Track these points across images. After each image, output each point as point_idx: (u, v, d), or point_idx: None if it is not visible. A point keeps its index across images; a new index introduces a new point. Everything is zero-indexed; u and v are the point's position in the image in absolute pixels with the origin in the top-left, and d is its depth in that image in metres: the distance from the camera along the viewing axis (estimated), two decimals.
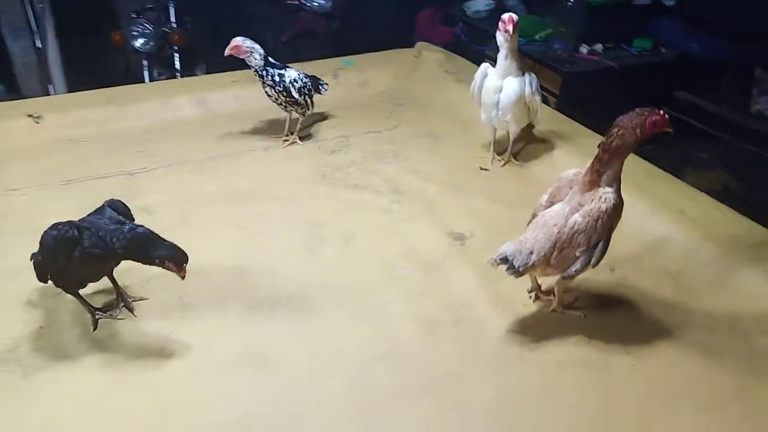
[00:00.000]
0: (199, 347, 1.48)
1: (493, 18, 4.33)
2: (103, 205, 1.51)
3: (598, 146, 1.45)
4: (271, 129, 2.48)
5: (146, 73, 4.17)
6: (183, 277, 1.41)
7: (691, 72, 3.85)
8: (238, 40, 2.20)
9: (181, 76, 4.15)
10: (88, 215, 1.50)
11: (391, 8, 4.76)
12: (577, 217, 1.44)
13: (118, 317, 1.56)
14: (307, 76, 2.33)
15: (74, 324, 1.54)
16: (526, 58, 3.96)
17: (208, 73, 3.98)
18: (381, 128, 2.52)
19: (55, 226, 1.41)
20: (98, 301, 1.59)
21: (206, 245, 1.81)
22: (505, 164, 2.25)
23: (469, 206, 2.02)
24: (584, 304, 1.63)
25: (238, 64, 2.33)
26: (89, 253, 1.39)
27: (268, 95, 2.30)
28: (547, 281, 1.65)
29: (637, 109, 1.42)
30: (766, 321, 1.53)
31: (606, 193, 1.44)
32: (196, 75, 4.19)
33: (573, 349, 1.50)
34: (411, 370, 1.44)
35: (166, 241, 1.42)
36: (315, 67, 2.70)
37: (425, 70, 2.90)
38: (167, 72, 4.18)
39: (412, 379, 1.42)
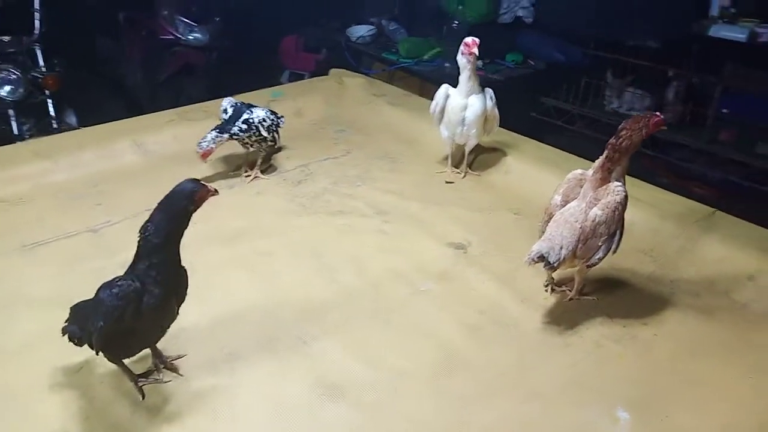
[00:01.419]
0: (263, 393, 1.44)
1: (376, 43, 4.56)
2: None
3: (607, 147, 1.65)
4: (225, 166, 2.41)
5: (14, 124, 3.75)
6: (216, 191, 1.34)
7: (556, 79, 4.36)
8: (203, 147, 2.21)
9: (57, 124, 3.81)
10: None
11: (265, 37, 4.80)
12: (596, 211, 1.63)
13: (164, 380, 1.46)
14: (272, 112, 2.31)
15: (119, 397, 1.41)
16: (416, 77, 4.23)
17: (83, 122, 3.72)
18: (336, 154, 2.56)
19: (111, 283, 1.29)
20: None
21: (222, 291, 1.76)
22: (464, 176, 2.41)
23: (453, 217, 2.15)
24: (591, 290, 1.83)
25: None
26: (156, 304, 1.29)
27: (235, 137, 2.23)
28: (558, 273, 1.82)
29: (637, 114, 1.65)
30: (736, 279, 1.84)
31: (617, 187, 1.65)
32: (69, 122, 3.88)
33: (602, 329, 1.68)
34: (479, 371, 1.53)
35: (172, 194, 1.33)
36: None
37: (353, 96, 2.99)
38: (39, 121, 3.80)
39: (486, 378, 1.51)
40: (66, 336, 1.39)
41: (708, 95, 3.91)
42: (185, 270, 1.38)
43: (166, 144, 2.50)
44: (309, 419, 1.38)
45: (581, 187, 1.70)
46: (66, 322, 1.41)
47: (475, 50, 2.13)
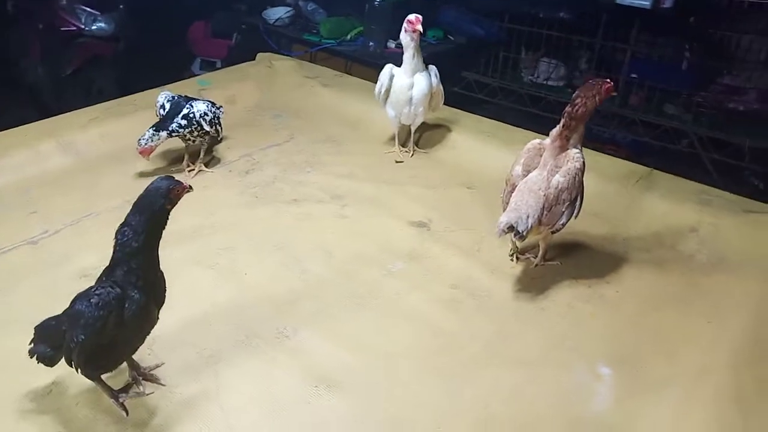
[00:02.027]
0: (254, 393, 1.39)
1: (295, 24, 4.44)
2: None
3: (563, 115, 1.70)
4: (164, 162, 2.28)
5: None
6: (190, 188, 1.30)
7: (476, 54, 4.44)
8: (141, 145, 2.10)
9: None
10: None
11: (170, 24, 4.58)
12: (559, 178, 1.68)
13: (146, 392, 1.37)
14: (212, 103, 2.20)
15: (99, 416, 1.32)
16: (339, 57, 4.18)
17: None
18: (278, 141, 2.49)
19: (88, 293, 1.19)
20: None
21: (187, 293, 1.67)
22: (413, 154, 2.42)
23: (409, 196, 2.15)
24: (553, 255, 1.89)
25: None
26: (138, 311, 1.21)
27: (175, 134, 2.12)
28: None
29: (590, 81, 1.71)
30: (680, 232, 1.96)
31: (576, 154, 1.71)
32: None
33: (571, 291, 1.75)
34: (463, 344, 1.55)
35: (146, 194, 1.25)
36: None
37: (285, 79, 2.91)
38: None
39: (471, 351, 1.53)
40: (34, 358, 1.28)
41: (617, 62, 4.12)
42: (162, 272, 1.30)
43: (94, 143, 2.33)
44: (308, 413, 1.35)
45: (541, 156, 1.75)
46: (31, 343, 1.30)
47: (419, 27, 2.12)
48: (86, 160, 2.26)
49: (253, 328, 1.56)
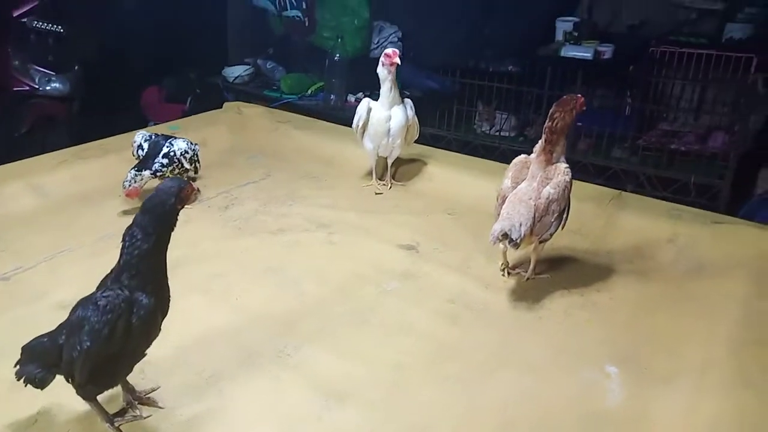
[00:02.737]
0: (263, 410, 1.33)
1: (255, 82, 4.51)
2: None
3: (544, 131, 1.78)
4: (137, 201, 2.20)
5: None
6: (198, 191, 1.24)
7: (431, 108, 4.60)
8: (126, 187, 2.09)
9: None
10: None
11: (125, 87, 4.58)
12: (549, 189, 1.73)
13: (144, 416, 1.28)
14: (191, 142, 2.19)
15: None
16: (300, 112, 4.25)
17: None
18: (255, 178, 2.48)
19: (93, 297, 1.12)
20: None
21: (180, 318, 1.55)
22: (391, 187, 2.44)
23: (393, 223, 2.16)
24: (541, 269, 1.92)
25: None
26: (147, 317, 1.15)
27: (158, 173, 2.10)
28: (512, 257, 1.90)
29: (564, 96, 1.79)
30: (657, 244, 2.03)
31: (565, 168, 1.78)
32: None
33: (564, 300, 1.77)
34: (469, 354, 1.53)
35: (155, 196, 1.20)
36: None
37: (257, 124, 2.93)
38: None
39: (479, 359, 1.51)
40: (22, 380, 1.18)
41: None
42: (167, 278, 1.24)
43: (64, 184, 2.25)
44: (322, 427, 1.29)
45: (527, 169, 1.81)
46: (16, 365, 1.20)
47: (397, 60, 2.19)
48: (56, 202, 2.18)
49: (253, 348, 1.50)
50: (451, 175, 2.48)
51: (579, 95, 1.79)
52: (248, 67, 4.47)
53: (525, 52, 4.54)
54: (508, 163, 1.89)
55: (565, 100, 1.78)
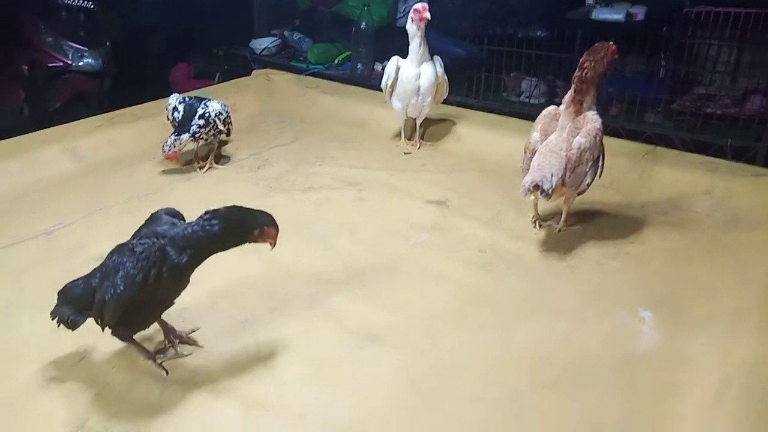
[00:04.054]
0: (298, 350, 1.35)
1: (282, 53, 4.52)
2: (157, 215, 1.27)
3: (573, 81, 1.75)
4: (174, 163, 2.25)
5: None
6: (274, 245, 1.27)
7: (458, 76, 4.55)
8: (166, 151, 2.12)
9: None
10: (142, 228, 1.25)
11: (155, 62, 4.64)
12: (580, 139, 1.70)
13: (185, 354, 1.32)
14: (224, 104, 2.21)
15: (139, 378, 1.26)
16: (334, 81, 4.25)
17: None
18: (285, 141, 2.50)
19: (129, 244, 1.15)
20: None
21: (213, 269, 1.60)
22: (419, 147, 2.44)
23: (423, 180, 2.15)
24: (573, 221, 1.90)
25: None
26: (179, 264, 1.17)
27: (197, 135, 2.13)
28: (543, 209, 1.88)
29: (596, 44, 1.76)
30: (694, 195, 1.99)
31: (594, 115, 1.74)
32: None
33: (597, 250, 1.75)
34: (502, 300, 1.53)
35: (252, 209, 1.25)
36: None
37: (285, 90, 2.94)
38: None
39: (513, 304, 1.51)
40: (56, 320, 1.21)
41: None
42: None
43: (99, 148, 2.31)
44: (355, 367, 1.31)
45: (557, 121, 1.78)
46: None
47: (427, 15, 2.17)
48: (91, 164, 2.23)
49: (284, 297, 1.53)
50: (480, 135, 2.47)
51: (611, 43, 1.75)
52: (275, 38, 4.48)
53: (554, 16, 4.45)
54: None
55: (596, 48, 1.74)
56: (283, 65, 4.35)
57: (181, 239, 1.17)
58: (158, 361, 1.28)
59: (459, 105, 4.41)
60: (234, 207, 1.23)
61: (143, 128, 2.40)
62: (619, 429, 1.17)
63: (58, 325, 1.20)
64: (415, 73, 2.26)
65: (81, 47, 4.16)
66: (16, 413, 1.17)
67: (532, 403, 1.21)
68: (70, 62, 4.13)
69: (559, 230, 1.85)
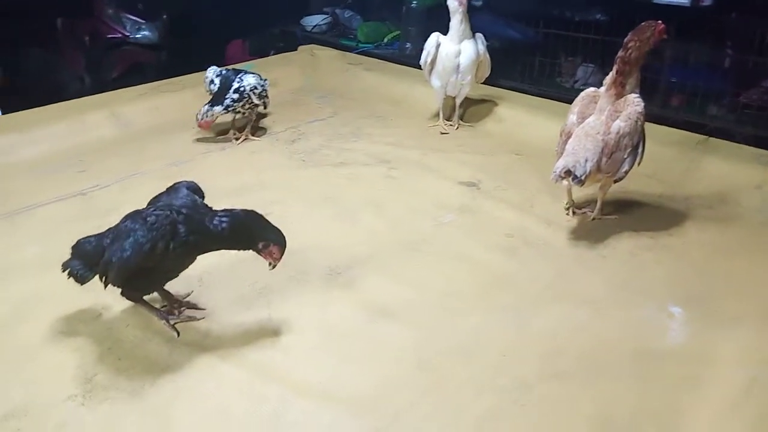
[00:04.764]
0: (310, 320, 1.35)
1: (332, 31, 4.52)
2: (177, 186, 1.28)
3: (616, 61, 1.66)
4: (210, 132, 2.28)
5: None
6: (274, 266, 1.26)
7: (511, 59, 4.43)
8: (199, 119, 2.15)
9: None
10: (160, 195, 1.27)
11: (209, 37, 4.70)
12: (619, 123, 1.62)
13: (198, 318, 1.34)
14: (261, 78, 2.22)
15: (151, 336, 1.29)
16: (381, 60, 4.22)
17: None
18: (323, 116, 2.49)
19: (143, 212, 1.17)
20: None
21: None
22: (458, 127, 2.39)
23: (457, 161, 2.11)
24: (611, 210, 1.82)
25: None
26: (188, 242, 1.18)
27: (230, 108, 2.15)
28: (577, 196, 1.81)
29: (643, 24, 1.67)
30: (744, 189, 1.88)
31: (636, 98, 1.65)
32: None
33: (632, 241, 1.68)
34: (524, 285, 1.49)
35: (269, 222, 1.26)
36: None
37: (329, 66, 2.94)
38: None
39: (534, 290, 1.46)
40: (67, 272, 1.24)
41: (656, 62, 4.07)
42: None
43: (143, 115, 2.37)
44: (365, 340, 1.30)
45: (596, 103, 1.70)
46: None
47: None
48: (134, 130, 2.29)
49: (303, 267, 1.52)
50: (522, 117, 2.40)
51: (659, 21, 1.66)
52: (326, 16, 4.47)
53: None
54: None
55: (643, 27, 1.65)
56: (333, 43, 4.35)
57: (192, 222, 1.18)
58: (171, 322, 1.30)
59: (511, 90, 4.34)
60: (250, 214, 1.24)
61: (186, 98, 2.44)
62: (631, 423, 1.11)
63: (68, 278, 1.23)
64: (455, 50, 2.20)
65: (139, 20, 4.28)
66: (30, 362, 1.22)
67: (539, 393, 1.17)
68: (128, 34, 4.26)
69: (594, 218, 1.77)
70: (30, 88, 3.82)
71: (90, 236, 1.24)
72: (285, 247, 1.25)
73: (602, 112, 1.67)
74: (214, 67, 2.29)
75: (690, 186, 1.95)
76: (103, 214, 1.73)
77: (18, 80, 3.68)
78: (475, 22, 4.56)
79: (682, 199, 1.89)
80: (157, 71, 4.41)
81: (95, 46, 4.25)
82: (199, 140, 2.23)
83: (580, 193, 1.82)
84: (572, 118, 1.72)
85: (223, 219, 1.20)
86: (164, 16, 4.43)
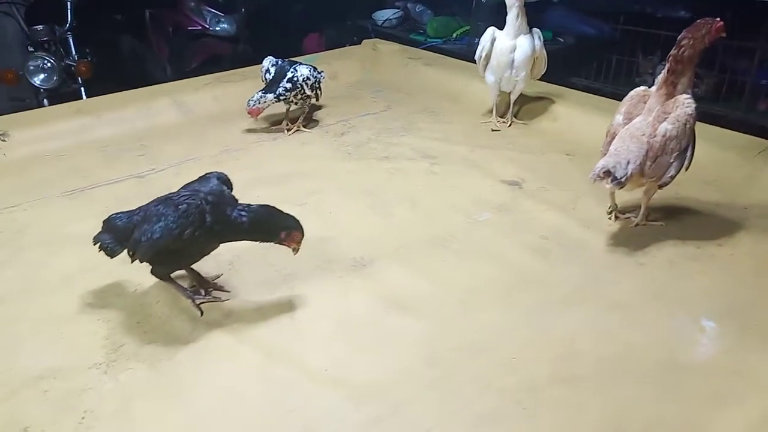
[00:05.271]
0: (326, 308, 1.38)
1: (403, 26, 4.54)
2: (208, 176, 1.35)
3: (668, 60, 1.58)
4: (265, 122, 2.37)
5: None
6: (297, 251, 1.32)
7: (586, 56, 4.28)
8: (250, 106, 2.20)
9: None
10: (192, 183, 1.34)
11: (286, 30, 4.82)
12: (666, 126, 1.54)
13: (223, 299, 1.40)
14: (314, 69, 2.27)
15: (177, 313, 1.36)
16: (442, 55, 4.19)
17: None
18: (375, 110, 2.52)
19: (175, 198, 1.24)
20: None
21: None
22: (510, 125, 2.35)
23: (503, 158, 2.08)
24: (657, 216, 1.74)
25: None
26: (212, 231, 1.24)
27: (282, 97, 2.21)
28: (621, 200, 1.74)
29: (698, 20, 1.58)
30: None
31: (686, 99, 1.56)
32: None
33: (675, 249, 1.59)
34: (552, 286, 1.45)
35: (283, 212, 1.32)
36: None
37: (389, 60, 2.95)
38: None
39: (561, 292, 1.43)
40: (97, 245, 1.32)
41: (744, 64, 3.81)
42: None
43: (205, 103, 2.48)
44: (376, 330, 1.31)
45: (644, 103, 1.63)
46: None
47: None
48: (194, 118, 2.41)
49: (331, 256, 1.56)
50: (578, 116, 2.32)
51: (718, 19, 1.56)
52: (397, 10, 4.49)
53: None
54: None
55: (698, 24, 1.56)
56: (402, 38, 4.36)
57: (218, 212, 1.24)
58: (197, 301, 1.37)
59: (585, 89, 4.19)
60: (266, 207, 1.30)
61: (247, 88, 2.51)
62: None
63: (99, 251, 1.31)
64: (510, 45, 2.16)
65: (218, 13, 4.47)
66: (67, 329, 1.31)
67: (546, 396, 1.14)
68: (207, 26, 4.45)
69: (637, 224, 1.70)
70: (116, 74, 4.09)
71: (121, 212, 1.32)
72: (303, 232, 1.29)
73: (651, 112, 1.59)
74: (271, 57, 2.35)
75: (751, 195, 1.82)
76: (155, 196, 1.84)
77: (105, 67, 3.95)
78: (550, 17, 4.47)
79: (739, 208, 1.77)
80: (233, 63, 4.61)
81: (177, 37, 4.48)
82: (253, 130, 2.31)
83: (627, 197, 1.75)
84: (618, 118, 1.65)
85: (242, 214, 1.26)
86: (242, 10, 4.61)
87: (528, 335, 1.30)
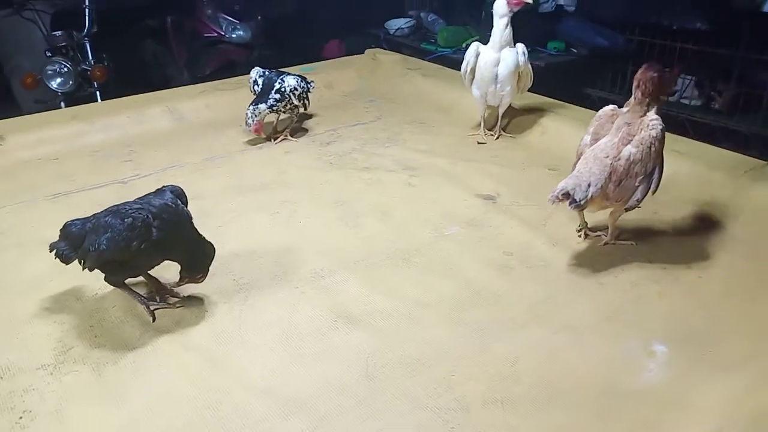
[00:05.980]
0: (274, 319, 1.39)
1: (415, 34, 4.56)
2: (163, 189, 1.39)
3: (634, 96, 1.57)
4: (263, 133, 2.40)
5: None
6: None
7: (601, 67, 4.22)
8: (250, 125, 2.23)
9: None
10: (147, 196, 1.37)
11: (303, 38, 4.88)
12: (630, 149, 1.51)
13: (176, 306, 1.42)
14: (303, 79, 2.30)
15: (129, 319, 1.39)
16: (455, 68, 4.18)
17: None
18: (366, 120, 2.53)
19: (123, 211, 1.27)
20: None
21: (240, 230, 1.75)
22: (498, 137, 2.33)
23: (483, 172, 2.07)
24: (629, 236, 1.71)
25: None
26: (159, 244, 1.28)
27: (273, 108, 2.24)
28: (591, 218, 1.72)
29: (644, 65, 1.56)
30: None
31: (652, 120, 1.53)
32: None
33: (640, 271, 1.56)
34: (505, 305, 1.44)
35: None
36: None
37: (387, 70, 2.97)
38: None
39: (513, 311, 1.41)
40: (53, 252, 1.35)
41: (764, 77, 3.71)
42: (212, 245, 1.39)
43: (198, 111, 2.53)
44: (319, 342, 1.32)
45: (612, 124, 1.60)
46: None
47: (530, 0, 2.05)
48: (187, 125, 2.46)
49: (292, 266, 1.57)
50: (567, 130, 2.28)
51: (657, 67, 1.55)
52: (410, 19, 4.51)
53: (718, 6, 3.94)
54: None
55: (646, 68, 1.55)
56: (413, 47, 4.37)
57: (166, 227, 1.29)
58: (151, 307, 1.40)
59: (600, 100, 4.13)
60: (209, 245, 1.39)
61: (240, 96, 2.56)
62: None
63: (55, 258, 1.35)
64: (493, 59, 2.15)
65: (234, 20, 4.55)
66: (19, 330, 1.36)
67: (476, 417, 1.13)
68: (223, 33, 4.54)
69: (606, 243, 1.67)
70: (131, 79, 4.20)
71: (77, 219, 1.36)
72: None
73: (618, 132, 1.57)
74: (258, 68, 2.38)
75: (731, 216, 1.77)
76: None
77: (120, 72, 4.06)
78: (564, 28, 4.42)
79: (717, 230, 1.73)
80: (248, 70, 4.68)
81: (193, 43, 4.57)
82: (239, 139, 2.34)
83: (599, 215, 1.73)
84: (586, 138, 1.63)
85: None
86: (258, 17, 4.69)
87: (470, 353, 1.29)
